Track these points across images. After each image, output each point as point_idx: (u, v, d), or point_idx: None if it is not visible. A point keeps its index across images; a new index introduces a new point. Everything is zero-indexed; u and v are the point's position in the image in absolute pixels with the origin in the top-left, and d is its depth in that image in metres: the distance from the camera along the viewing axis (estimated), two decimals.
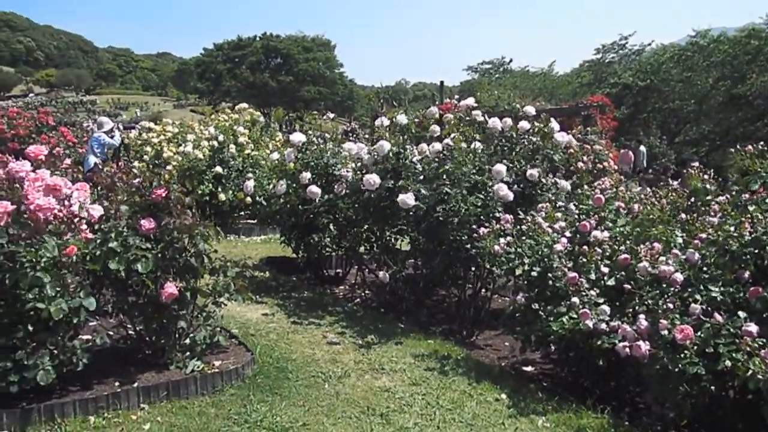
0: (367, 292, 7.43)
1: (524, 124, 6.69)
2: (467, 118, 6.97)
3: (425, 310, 6.98)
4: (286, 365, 4.96)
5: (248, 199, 9.95)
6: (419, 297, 6.94)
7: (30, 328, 3.96)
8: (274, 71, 70.66)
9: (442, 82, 24.99)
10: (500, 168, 6.03)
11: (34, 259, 3.98)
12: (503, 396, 4.61)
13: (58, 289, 4.01)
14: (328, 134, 9.33)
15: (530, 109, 7.12)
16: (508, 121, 6.79)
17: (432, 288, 7.26)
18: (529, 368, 5.41)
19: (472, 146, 6.36)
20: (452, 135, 6.31)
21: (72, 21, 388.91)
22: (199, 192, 9.57)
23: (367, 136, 13.02)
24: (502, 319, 5.67)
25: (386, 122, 6.89)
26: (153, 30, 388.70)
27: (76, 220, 4.51)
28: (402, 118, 6.88)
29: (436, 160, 6.23)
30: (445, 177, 5.98)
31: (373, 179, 6.17)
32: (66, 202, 4.46)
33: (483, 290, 6.46)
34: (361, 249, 7.38)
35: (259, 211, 9.73)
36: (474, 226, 5.76)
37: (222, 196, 10.21)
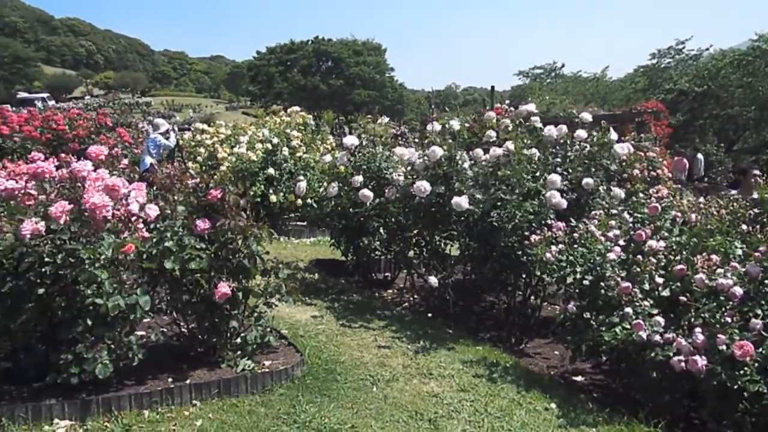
0: (415, 296, 7.42)
1: (581, 133, 6.60)
2: (526, 124, 6.91)
3: (473, 316, 6.94)
4: (334, 367, 5.00)
5: (299, 201, 10.06)
6: (468, 303, 6.91)
7: (89, 322, 4.08)
8: (325, 75, 71.33)
9: (492, 87, 24.80)
10: (555, 177, 5.95)
11: (93, 256, 4.10)
12: (553, 405, 4.55)
13: (115, 285, 4.13)
14: (378, 138, 9.36)
15: (587, 116, 7.02)
16: (564, 128, 6.71)
17: (480, 294, 7.23)
18: (579, 378, 5.33)
19: (528, 153, 6.31)
20: (508, 141, 6.25)
21: (131, 25, 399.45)
22: (251, 193, 9.71)
23: (416, 140, 13.01)
24: (552, 328, 5.59)
25: (438, 127, 6.88)
26: (207, 34, 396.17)
27: (133, 219, 4.64)
28: (454, 124, 6.85)
29: (491, 165, 6.19)
30: (499, 182, 5.94)
31: (423, 186, 6.17)
32: (123, 201, 4.58)
33: (533, 298, 6.40)
34: (411, 253, 7.38)
35: (310, 213, 9.83)
36: (526, 233, 5.71)
37: (273, 198, 10.34)
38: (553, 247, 5.32)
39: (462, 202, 5.87)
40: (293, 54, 72.81)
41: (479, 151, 6.44)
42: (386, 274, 8.33)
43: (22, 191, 4.81)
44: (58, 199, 4.54)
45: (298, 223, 11.37)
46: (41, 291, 4.08)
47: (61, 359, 4.03)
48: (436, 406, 4.43)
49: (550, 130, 6.65)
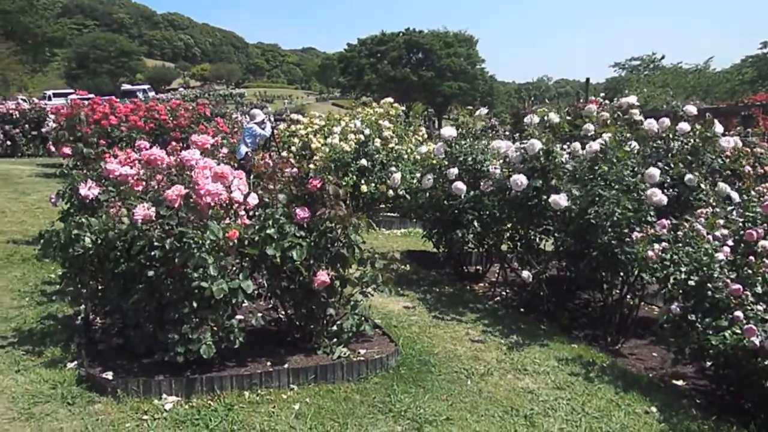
0: (507, 291, 7.33)
1: (684, 126, 6.32)
2: (625, 117, 6.68)
3: (566, 312, 6.78)
4: (428, 359, 5.01)
5: (390, 192, 10.11)
6: (561, 299, 6.77)
7: (194, 304, 4.25)
8: (415, 66, 71.32)
9: (587, 79, 24.27)
10: (653, 171, 5.73)
11: (200, 241, 4.25)
12: (653, 409, 4.40)
13: (219, 270, 4.27)
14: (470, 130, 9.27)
15: (692, 109, 6.71)
16: (666, 121, 6.44)
17: (574, 291, 7.06)
18: (680, 382, 5.12)
19: (628, 147, 6.10)
20: (606, 134, 6.06)
21: (227, 19, 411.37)
22: (343, 183, 9.83)
23: (507, 133, 12.84)
24: (653, 329, 5.40)
25: (536, 120, 6.74)
26: (300, 26, 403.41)
27: (235, 206, 4.79)
28: (553, 116, 6.70)
29: (589, 159, 6.03)
30: (598, 178, 5.78)
31: (520, 179, 6.07)
32: (228, 189, 4.73)
33: (629, 296, 6.19)
34: (504, 247, 7.30)
35: (402, 204, 9.86)
36: (625, 230, 5.53)
37: (365, 188, 10.43)
38: (656, 246, 5.12)
39: (560, 200, 5.74)
40: (384, 46, 73.09)
41: (577, 145, 6.27)
42: (477, 267, 8.26)
43: (135, 177, 5.06)
44: (167, 185, 4.75)
45: (389, 213, 11.43)
46: (151, 273, 4.29)
47: (168, 338, 4.23)
48: (531, 403, 4.37)
49: (651, 123, 6.41)
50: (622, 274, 5.97)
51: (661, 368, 5.38)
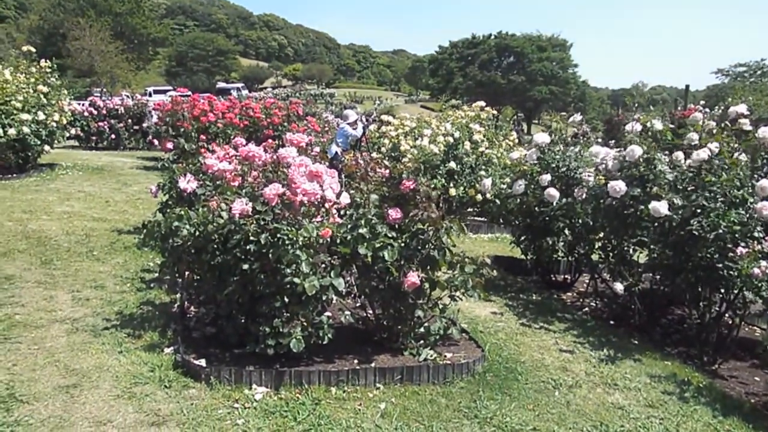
0: (596, 302, 7.13)
1: None
2: (733, 127, 6.37)
3: (659, 328, 6.53)
4: (515, 366, 4.93)
5: (479, 196, 10.01)
6: (653, 313, 6.52)
7: (286, 299, 4.34)
8: (505, 70, 70.61)
9: (687, 86, 23.31)
10: (765, 184, 5.44)
11: (294, 237, 4.34)
12: None
13: (311, 267, 4.34)
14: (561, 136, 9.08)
15: None
16: None
17: (668, 305, 6.80)
18: None
19: (736, 157, 5.82)
20: (712, 144, 5.79)
21: (320, 20, 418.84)
22: (432, 186, 9.81)
23: (599, 140, 12.48)
24: (756, 351, 5.13)
25: (638, 127, 6.52)
26: (391, 28, 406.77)
27: (327, 204, 4.86)
28: (657, 124, 6.47)
29: (693, 169, 5.78)
30: (702, 188, 5.54)
31: (618, 186, 5.89)
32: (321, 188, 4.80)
33: (729, 315, 5.90)
34: (594, 257, 7.10)
35: (491, 209, 9.75)
36: (728, 245, 5.28)
37: (453, 192, 10.39)
38: (762, 263, 4.86)
39: (660, 207, 5.53)
40: (474, 48, 72.68)
41: (680, 154, 6.03)
42: (565, 276, 8.08)
43: (232, 172, 5.22)
44: (262, 181, 4.88)
45: (476, 218, 11.34)
46: (245, 266, 4.41)
47: (260, 331, 4.34)
48: (622, 420, 4.23)
49: (765, 132, 6.07)
50: (722, 290, 5.70)
51: (765, 394, 5.09)
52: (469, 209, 11.22)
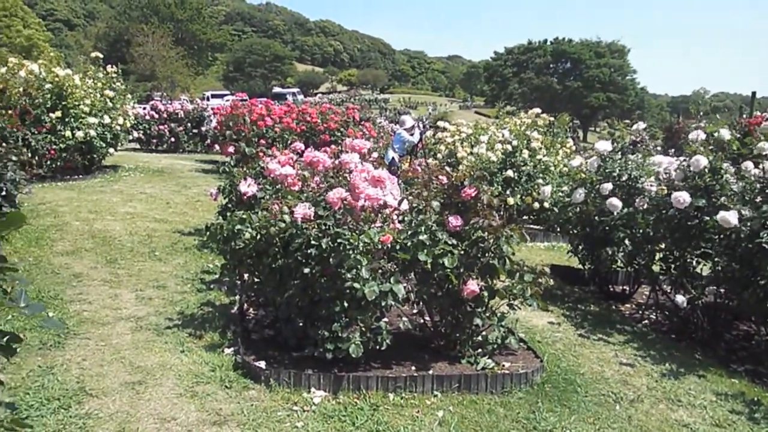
0: (657, 314, 6.97)
1: None
2: None
3: (723, 343, 6.34)
4: (574, 378, 4.85)
5: (536, 204, 9.91)
6: (717, 328, 6.33)
7: (345, 304, 4.37)
8: (562, 76, 69.74)
9: (753, 93, 22.54)
10: None
11: (355, 243, 4.37)
12: None
13: (371, 272, 4.36)
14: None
15: None
16: None
17: (732, 320, 6.60)
18: None
19: None
20: None
21: (376, 26, 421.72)
22: (493, 194, 9.75)
23: (658, 148, 12.20)
24: None
25: (702, 136, 6.36)
26: (446, 34, 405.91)
27: (387, 210, 4.88)
28: (724, 133, 6.29)
29: (763, 180, 5.61)
30: None
31: (683, 197, 5.75)
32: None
33: None
34: (655, 268, 6.94)
35: (549, 218, 9.64)
36: None
37: (510, 200, 10.29)
38: None
39: (730, 217, 5.37)
40: (530, 54, 72.02)
41: (749, 164, 5.86)
42: (624, 287, 7.91)
43: (294, 177, 5.30)
44: (324, 186, 4.93)
45: (533, 226, 11.21)
46: (306, 270, 4.48)
47: (318, 335, 4.38)
48: None
49: None
50: None
51: None
52: (525, 217, 11.11)
